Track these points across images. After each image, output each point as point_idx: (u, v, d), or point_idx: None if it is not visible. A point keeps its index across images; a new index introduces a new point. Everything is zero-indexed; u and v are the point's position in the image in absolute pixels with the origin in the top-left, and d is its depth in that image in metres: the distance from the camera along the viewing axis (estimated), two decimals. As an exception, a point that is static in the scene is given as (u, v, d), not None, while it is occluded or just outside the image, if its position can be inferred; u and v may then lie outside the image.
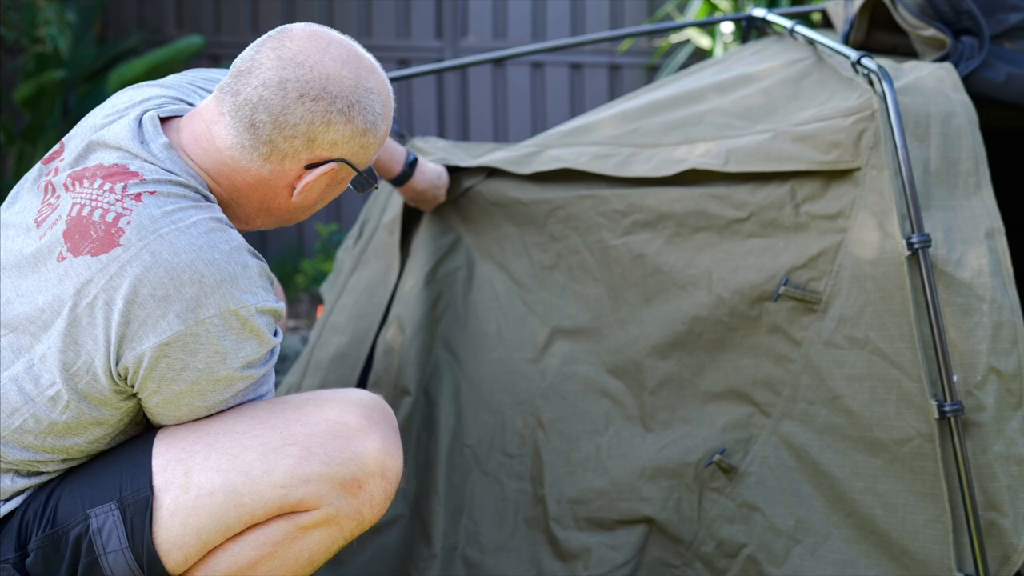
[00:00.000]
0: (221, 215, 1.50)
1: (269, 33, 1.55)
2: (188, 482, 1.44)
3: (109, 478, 1.47)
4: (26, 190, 1.56)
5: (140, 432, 1.55)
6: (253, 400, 1.53)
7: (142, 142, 1.50)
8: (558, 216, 2.09)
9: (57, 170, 1.53)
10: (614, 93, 5.21)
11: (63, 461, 1.50)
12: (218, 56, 5.05)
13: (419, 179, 2.12)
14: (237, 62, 1.53)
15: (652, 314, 1.99)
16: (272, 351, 1.52)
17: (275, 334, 1.51)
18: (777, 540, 1.85)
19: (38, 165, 1.58)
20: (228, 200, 1.55)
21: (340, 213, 5.21)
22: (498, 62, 5.13)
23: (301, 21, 1.63)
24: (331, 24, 5.15)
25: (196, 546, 1.45)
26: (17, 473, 1.48)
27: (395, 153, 2.07)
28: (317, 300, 4.70)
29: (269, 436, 1.47)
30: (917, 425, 1.71)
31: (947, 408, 1.66)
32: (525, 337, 2.10)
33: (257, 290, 1.47)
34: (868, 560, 1.77)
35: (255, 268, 1.48)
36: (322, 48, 1.53)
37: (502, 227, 2.16)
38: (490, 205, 2.16)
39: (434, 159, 2.23)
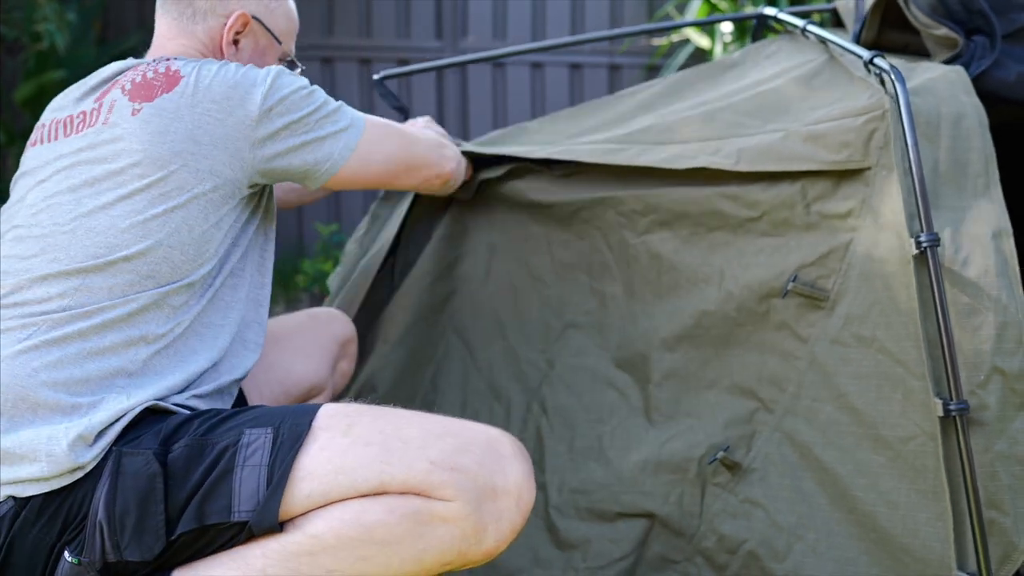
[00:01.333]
0: None
1: None
2: (349, 430, 1.51)
3: (271, 417, 1.54)
4: (31, 159, 1.77)
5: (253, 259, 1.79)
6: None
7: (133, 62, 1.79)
8: (581, 217, 2.11)
9: (55, 122, 1.78)
10: (613, 93, 5.22)
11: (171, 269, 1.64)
12: (218, 55, 5.04)
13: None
14: None
15: (662, 309, 2.00)
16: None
17: None
18: (779, 536, 1.86)
19: (26, 156, 1.81)
20: None
21: (340, 213, 5.21)
22: (497, 62, 5.14)
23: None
24: (331, 24, 5.18)
25: (325, 485, 1.47)
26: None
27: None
28: (317, 300, 4.70)
29: (432, 426, 1.54)
30: (921, 423, 1.71)
31: (952, 407, 1.66)
32: (538, 328, 2.11)
33: None
34: (869, 557, 1.78)
35: None
36: None
37: (528, 227, 2.18)
38: (516, 207, 2.18)
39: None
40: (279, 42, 1.92)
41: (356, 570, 1.49)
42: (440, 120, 5.25)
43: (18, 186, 1.75)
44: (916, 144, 1.71)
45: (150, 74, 1.71)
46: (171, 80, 1.69)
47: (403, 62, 5.18)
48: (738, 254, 1.93)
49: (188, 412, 1.58)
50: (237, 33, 1.86)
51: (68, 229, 1.62)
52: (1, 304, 1.59)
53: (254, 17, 1.87)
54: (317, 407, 1.56)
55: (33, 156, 1.76)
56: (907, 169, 1.73)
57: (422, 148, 1.99)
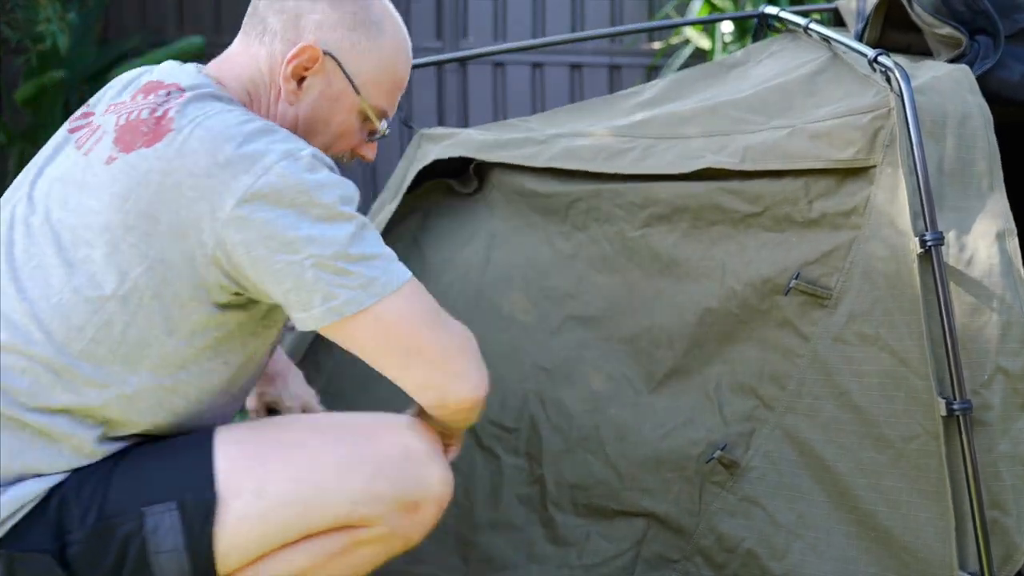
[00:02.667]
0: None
1: None
2: (263, 491, 1.45)
3: (165, 476, 1.45)
4: (57, 146, 1.55)
5: (217, 368, 1.51)
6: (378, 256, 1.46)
7: (180, 69, 1.54)
8: (579, 208, 2.10)
9: (91, 119, 1.54)
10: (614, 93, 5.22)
11: (127, 400, 1.44)
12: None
13: None
14: None
15: (664, 304, 1.99)
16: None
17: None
18: (778, 535, 1.85)
19: (62, 132, 1.57)
20: None
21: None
22: (497, 62, 5.14)
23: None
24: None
25: (255, 552, 1.46)
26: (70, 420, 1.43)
27: None
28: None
29: (343, 453, 1.49)
30: (924, 423, 1.71)
31: (956, 406, 1.66)
32: (537, 320, 2.10)
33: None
34: (869, 556, 1.78)
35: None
36: None
37: (528, 216, 2.17)
38: (516, 196, 2.17)
39: (446, 145, 2.24)
40: (357, 91, 1.57)
41: None
42: (440, 121, 5.25)
43: (38, 182, 1.51)
44: (921, 142, 1.71)
45: (145, 113, 1.44)
46: (158, 131, 1.41)
47: (403, 62, 5.17)
48: (739, 249, 1.93)
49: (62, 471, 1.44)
50: (305, 69, 1.53)
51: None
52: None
53: (328, 53, 1.53)
54: (210, 456, 1.45)
55: (62, 154, 1.53)
56: (912, 167, 1.73)
57: None
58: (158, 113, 1.43)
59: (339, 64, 1.54)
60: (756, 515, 1.88)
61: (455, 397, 1.53)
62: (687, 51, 4.90)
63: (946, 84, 1.84)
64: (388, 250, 1.48)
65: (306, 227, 1.38)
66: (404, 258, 2.29)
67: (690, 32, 4.92)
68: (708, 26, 4.80)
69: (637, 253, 2.03)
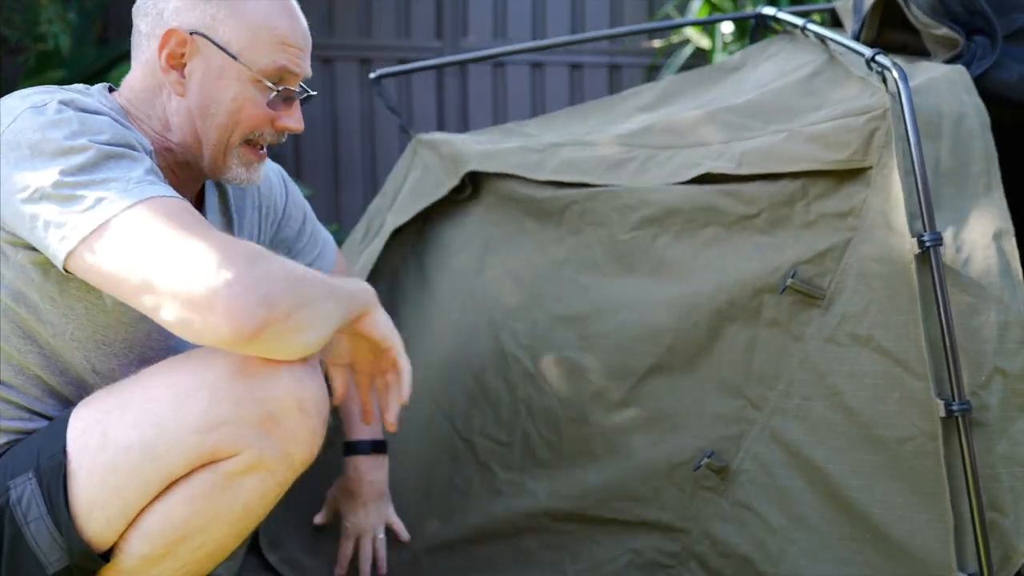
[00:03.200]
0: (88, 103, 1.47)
1: None
2: (105, 442, 1.40)
3: (29, 450, 1.44)
4: None
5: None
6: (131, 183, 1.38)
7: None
8: (573, 211, 2.10)
9: None
10: (614, 93, 5.22)
11: None
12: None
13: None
14: None
15: (651, 305, 1.98)
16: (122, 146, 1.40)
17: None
18: (771, 539, 1.84)
19: None
20: (160, 136, 1.58)
21: (340, 213, 5.20)
22: (497, 62, 5.14)
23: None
24: (331, 24, 5.17)
25: (117, 506, 1.41)
26: None
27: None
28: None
29: (181, 384, 1.41)
30: (920, 424, 1.70)
31: (955, 407, 1.65)
32: (527, 326, 2.10)
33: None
34: (865, 558, 1.76)
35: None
36: None
37: (522, 222, 2.17)
38: (511, 201, 2.17)
39: (444, 152, 2.23)
40: (235, 58, 1.54)
41: (200, 556, 1.46)
42: (440, 120, 5.25)
43: None
44: (919, 143, 1.70)
45: None
46: None
47: (403, 62, 5.17)
48: (733, 250, 1.92)
49: None
50: (181, 56, 1.54)
51: None
52: None
53: (196, 32, 1.53)
54: (66, 420, 1.44)
55: None
56: (908, 168, 1.73)
57: None
58: None
59: (208, 39, 1.53)
60: (749, 520, 1.87)
61: (213, 336, 1.33)
62: (687, 51, 4.89)
63: (942, 84, 1.83)
64: (142, 176, 1.37)
65: (38, 164, 1.35)
66: (402, 266, 2.31)
67: (690, 32, 4.92)
68: (708, 26, 4.80)
69: (627, 255, 2.03)
